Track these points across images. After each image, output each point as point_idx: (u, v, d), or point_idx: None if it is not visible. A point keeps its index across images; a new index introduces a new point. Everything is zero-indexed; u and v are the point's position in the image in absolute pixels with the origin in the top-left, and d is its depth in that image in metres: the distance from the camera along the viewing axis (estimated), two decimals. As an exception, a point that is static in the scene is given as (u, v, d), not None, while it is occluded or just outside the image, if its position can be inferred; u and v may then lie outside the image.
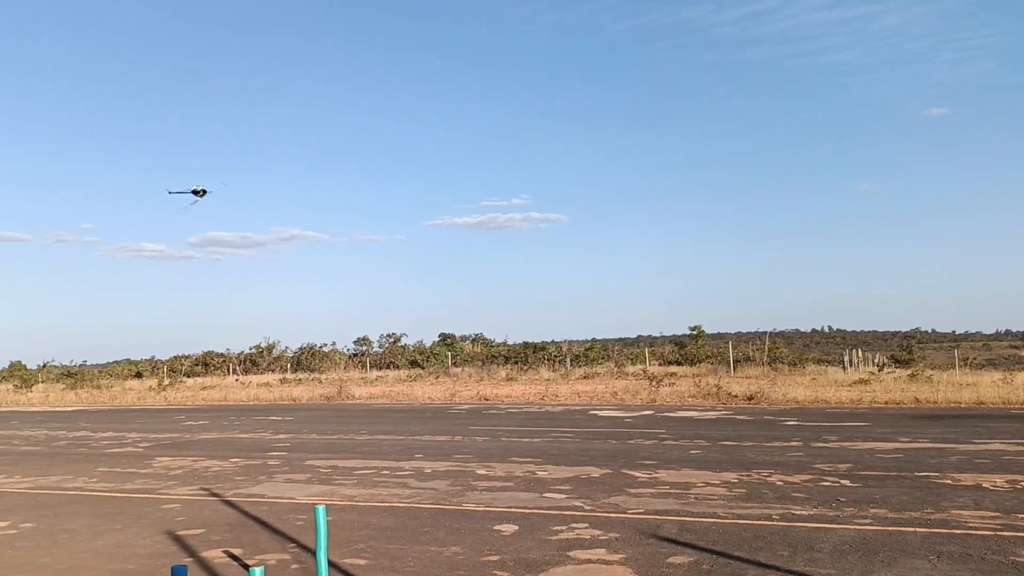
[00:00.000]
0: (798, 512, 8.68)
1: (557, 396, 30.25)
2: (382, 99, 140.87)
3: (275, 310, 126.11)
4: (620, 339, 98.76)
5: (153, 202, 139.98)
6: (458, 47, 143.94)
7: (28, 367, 67.29)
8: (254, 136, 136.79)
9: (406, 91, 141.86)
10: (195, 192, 23.77)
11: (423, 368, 58.56)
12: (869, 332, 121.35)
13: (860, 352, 50.33)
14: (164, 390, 42.91)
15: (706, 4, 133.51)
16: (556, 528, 8.16)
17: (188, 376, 61.83)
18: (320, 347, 70.81)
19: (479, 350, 67.14)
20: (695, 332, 62.53)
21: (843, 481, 10.73)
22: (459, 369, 54.45)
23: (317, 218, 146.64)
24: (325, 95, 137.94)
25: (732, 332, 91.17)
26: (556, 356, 56.76)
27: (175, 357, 76.04)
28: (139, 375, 64.83)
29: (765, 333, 59.28)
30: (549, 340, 74.52)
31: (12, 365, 69.18)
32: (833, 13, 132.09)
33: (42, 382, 56.12)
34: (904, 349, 60.58)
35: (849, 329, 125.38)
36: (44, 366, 65.40)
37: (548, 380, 40.57)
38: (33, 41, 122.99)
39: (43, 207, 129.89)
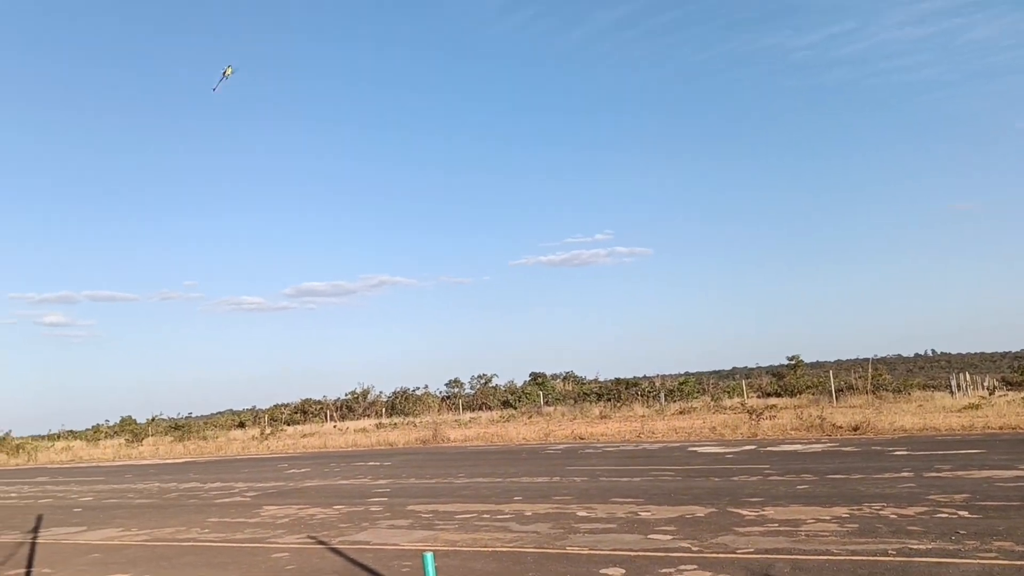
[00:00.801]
0: (916, 547, 8.29)
1: (653, 433, 29.78)
2: (462, 145, 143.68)
3: (368, 356, 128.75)
4: (715, 371, 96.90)
5: (251, 256, 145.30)
6: (534, 87, 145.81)
7: (138, 421, 70.30)
8: (341, 187, 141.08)
9: (487, 136, 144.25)
10: (224, 74, 27.51)
11: (515, 408, 58.55)
12: (976, 354, 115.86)
13: (968, 375, 48.02)
14: (266, 439, 44.11)
15: (784, 30, 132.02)
16: (664, 571, 8.00)
17: (288, 424, 63.39)
18: (413, 391, 71.73)
19: (571, 388, 66.81)
20: (793, 362, 60.80)
21: (961, 512, 10.21)
22: (551, 408, 54.25)
23: (405, 263, 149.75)
24: (407, 143, 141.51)
25: (832, 360, 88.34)
26: (649, 391, 55.97)
27: (275, 406, 78.26)
28: (242, 425, 66.81)
29: (866, 360, 57.29)
30: (641, 375, 73.71)
31: (123, 420, 72.35)
32: (915, 30, 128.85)
33: (151, 435, 58.41)
34: (1016, 370, 57.42)
35: (954, 352, 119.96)
36: (153, 420, 68.23)
37: (643, 416, 40.00)
38: (126, 117, 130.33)
39: (150, 267, 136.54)
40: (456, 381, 74.82)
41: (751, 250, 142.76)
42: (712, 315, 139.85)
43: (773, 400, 46.72)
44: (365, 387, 73.19)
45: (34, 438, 65.13)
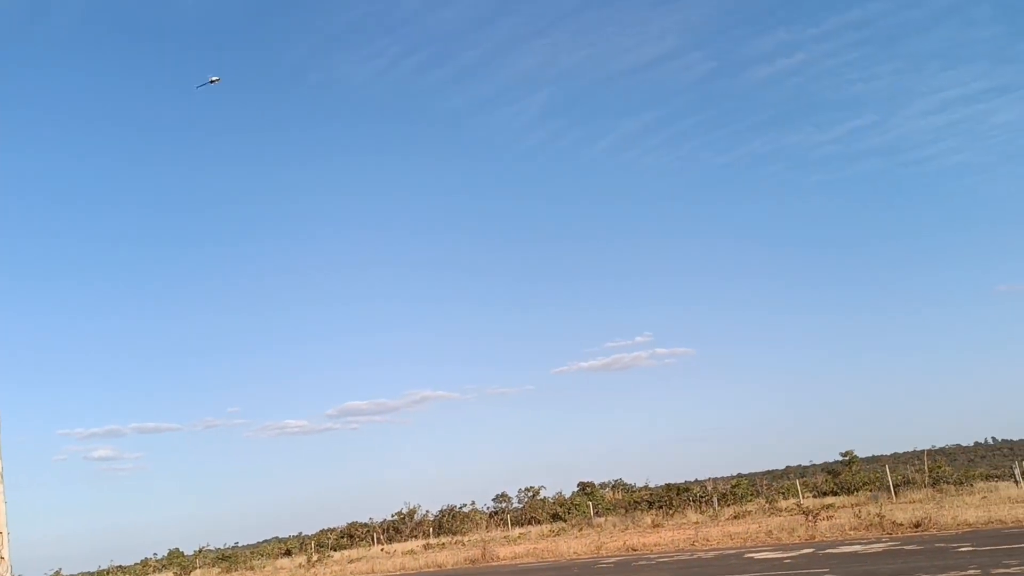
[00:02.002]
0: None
1: (708, 540, 28.97)
2: (499, 248, 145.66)
3: (413, 474, 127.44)
4: (767, 472, 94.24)
5: (292, 378, 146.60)
6: (565, 196, 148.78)
7: (185, 553, 69.75)
8: (379, 304, 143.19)
9: (519, 242, 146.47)
10: (212, 81, 31.47)
11: (565, 521, 57.30)
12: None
13: (1034, 462, 46.26)
14: (313, 567, 43.52)
15: (805, 127, 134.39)
16: None
17: (335, 550, 62.52)
18: (460, 507, 70.60)
19: (620, 497, 65.32)
20: (847, 458, 59.17)
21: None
22: (602, 519, 53.01)
23: (446, 377, 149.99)
24: (441, 255, 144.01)
25: (887, 454, 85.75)
26: (702, 496, 54.57)
27: (322, 531, 77.38)
28: (288, 553, 66.02)
29: (923, 451, 55.55)
30: (692, 479, 71.93)
31: (171, 553, 71.84)
32: (939, 118, 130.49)
33: (199, 567, 57.90)
34: (1085, 454, 55.24)
35: (1016, 438, 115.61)
36: (200, 551, 67.65)
37: (696, 523, 38.94)
38: (150, 253, 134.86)
39: (193, 396, 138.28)
40: (503, 495, 73.69)
41: (795, 344, 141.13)
42: (760, 413, 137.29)
43: (829, 499, 45.28)
44: (411, 507, 72.24)
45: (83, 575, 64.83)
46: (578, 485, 74.14)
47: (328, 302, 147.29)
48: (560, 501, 68.43)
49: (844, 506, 36.22)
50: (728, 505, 49.71)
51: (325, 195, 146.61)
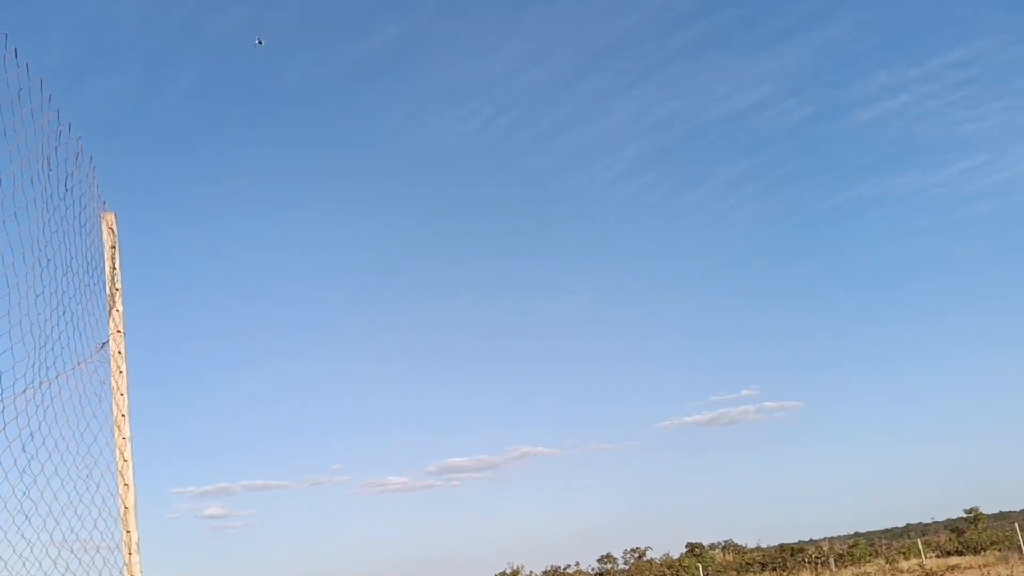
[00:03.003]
0: None
1: (829, 603, 28.65)
2: (594, 302, 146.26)
3: (515, 532, 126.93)
4: (886, 530, 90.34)
5: (395, 435, 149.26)
6: (658, 249, 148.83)
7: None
8: (479, 359, 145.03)
9: (614, 293, 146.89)
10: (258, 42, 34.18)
11: (675, 583, 56.60)
12: None
13: None
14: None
15: (913, 169, 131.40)
16: None
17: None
18: (564, 568, 70.30)
19: (731, 558, 64.10)
20: (971, 514, 56.73)
21: None
22: (714, 581, 52.23)
23: (547, 433, 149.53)
24: (537, 303, 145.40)
25: (1016, 510, 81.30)
26: (817, 557, 53.21)
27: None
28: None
29: (1055, 507, 52.89)
30: (807, 539, 69.81)
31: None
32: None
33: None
34: None
35: None
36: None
37: (814, 586, 38.22)
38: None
39: (300, 452, 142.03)
40: (608, 556, 73.04)
41: (911, 395, 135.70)
42: (876, 468, 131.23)
43: (954, 559, 43.60)
44: (515, 567, 72.27)
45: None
46: (687, 546, 72.95)
47: (424, 354, 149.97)
48: (668, 563, 67.47)
49: (971, 567, 35.07)
50: (845, 566, 48.37)
51: (409, 258, 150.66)
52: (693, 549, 71.20)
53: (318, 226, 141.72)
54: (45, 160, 4.82)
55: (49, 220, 5.07)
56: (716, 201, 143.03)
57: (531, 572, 71.68)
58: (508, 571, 72.18)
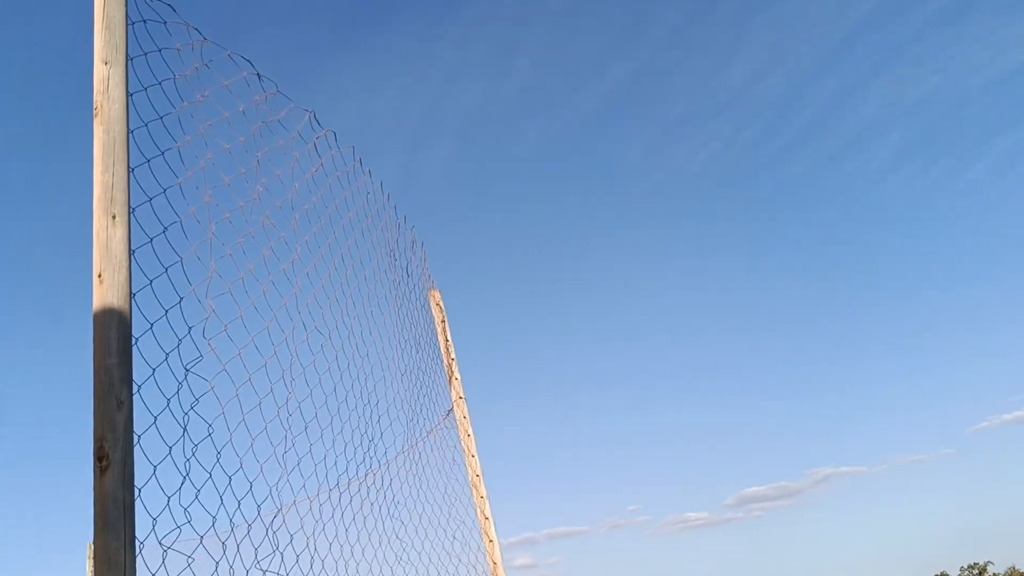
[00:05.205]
0: None
1: None
2: (872, 297, 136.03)
3: (831, 559, 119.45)
4: None
5: (686, 470, 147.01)
6: (939, 233, 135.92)
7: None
8: (769, 378, 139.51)
9: (891, 286, 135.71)
10: None
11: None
12: None
13: None
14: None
15: None
16: None
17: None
18: (895, 594, 65.02)
19: (1091, 567, 55.98)
20: None
21: None
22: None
23: (849, 450, 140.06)
24: (813, 302, 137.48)
25: None
26: None
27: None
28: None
29: None
30: None
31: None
32: None
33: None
34: None
35: None
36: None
37: None
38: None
39: (595, 497, 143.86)
40: (944, 575, 66.64)
41: None
42: None
43: None
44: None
45: None
46: (1033, 557, 64.82)
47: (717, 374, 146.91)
48: (1015, 574, 60.28)
49: None
50: None
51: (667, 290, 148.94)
52: (1043, 561, 63.07)
53: (597, 274, 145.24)
54: (391, 252, 5.33)
55: (401, 304, 5.57)
56: (997, 177, 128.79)
57: (857, 599, 67.15)
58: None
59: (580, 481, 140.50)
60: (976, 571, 64.19)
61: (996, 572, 63.22)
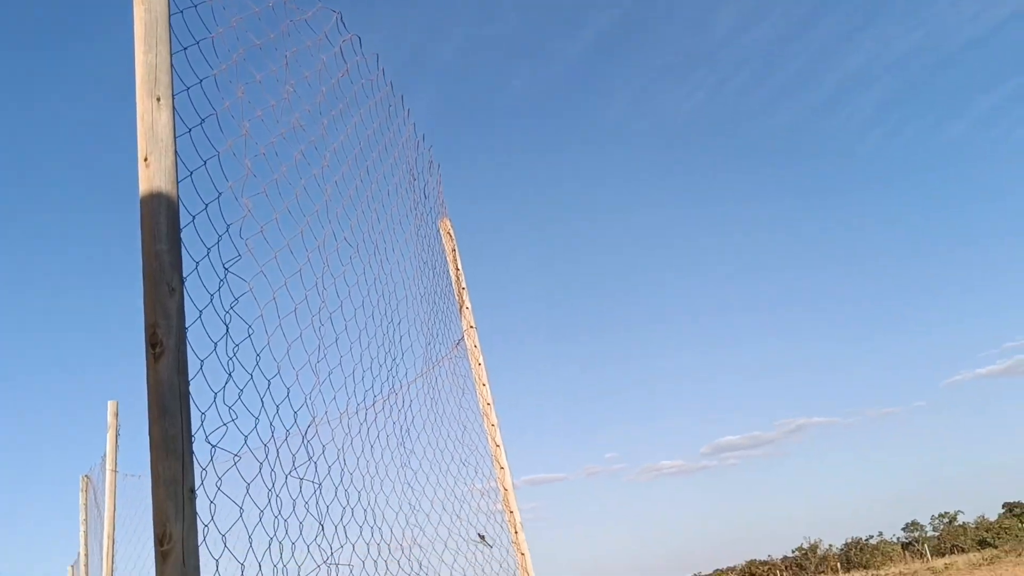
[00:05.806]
0: None
1: None
2: (861, 252, 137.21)
3: (804, 506, 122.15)
4: None
5: (662, 419, 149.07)
6: (916, 186, 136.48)
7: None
8: (741, 330, 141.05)
9: (882, 239, 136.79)
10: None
11: (995, 547, 51.78)
12: None
13: None
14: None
15: None
16: None
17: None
18: (867, 539, 66.68)
19: (1059, 516, 57.57)
20: None
21: None
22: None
23: (821, 401, 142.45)
24: (799, 253, 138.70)
25: None
26: None
27: (717, 571, 77.03)
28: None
29: None
30: None
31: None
32: None
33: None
34: None
35: None
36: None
37: None
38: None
39: (574, 445, 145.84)
40: (914, 524, 68.25)
41: None
42: None
43: None
44: (812, 541, 69.56)
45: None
46: (1004, 506, 66.44)
47: (688, 330, 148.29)
48: (985, 525, 61.87)
49: None
50: None
51: (656, 238, 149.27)
52: (1012, 509, 64.64)
53: (593, 225, 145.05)
54: (410, 171, 5.20)
55: (420, 226, 5.46)
56: (979, 132, 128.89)
57: (831, 545, 68.73)
58: (806, 546, 69.59)
59: (558, 429, 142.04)
60: (946, 520, 65.78)
61: (966, 521, 64.85)
